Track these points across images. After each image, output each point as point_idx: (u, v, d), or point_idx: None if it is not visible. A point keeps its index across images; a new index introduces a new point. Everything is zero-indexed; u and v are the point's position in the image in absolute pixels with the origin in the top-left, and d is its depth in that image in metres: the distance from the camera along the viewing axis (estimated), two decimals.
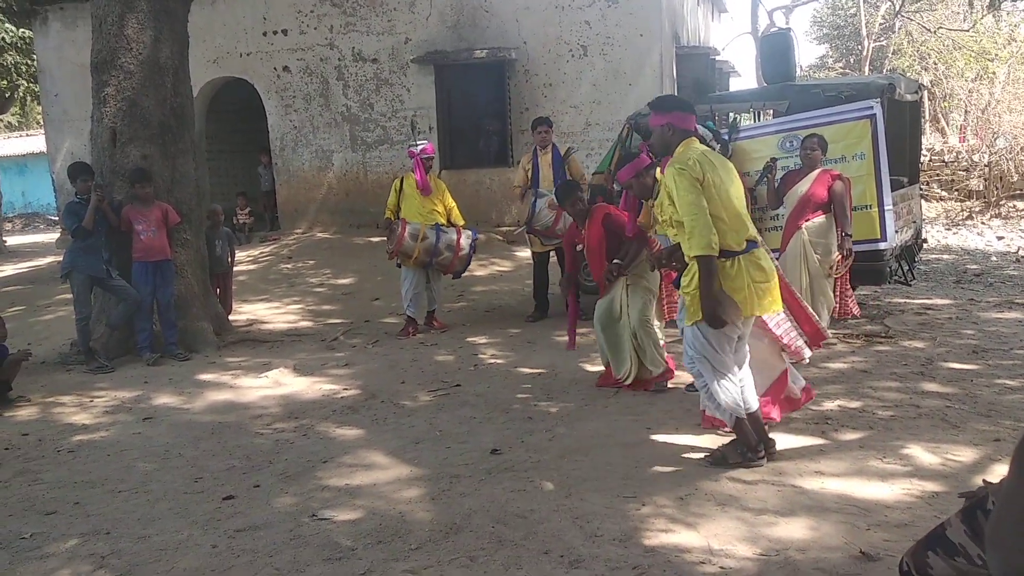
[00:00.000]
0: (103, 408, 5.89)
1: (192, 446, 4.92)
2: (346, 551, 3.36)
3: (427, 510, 3.73)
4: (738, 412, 4.02)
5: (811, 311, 4.68)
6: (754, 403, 4.13)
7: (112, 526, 3.77)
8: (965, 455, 4.11)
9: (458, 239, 7.74)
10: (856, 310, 6.88)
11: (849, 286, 6.79)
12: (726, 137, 7.31)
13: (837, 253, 6.39)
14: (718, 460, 4.08)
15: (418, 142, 8.05)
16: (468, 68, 13.06)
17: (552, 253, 8.08)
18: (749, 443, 4.03)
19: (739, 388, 4.04)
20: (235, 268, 9.28)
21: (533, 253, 8.22)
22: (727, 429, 4.28)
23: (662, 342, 5.71)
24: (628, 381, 5.57)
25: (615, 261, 5.57)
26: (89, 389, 6.45)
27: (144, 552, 3.48)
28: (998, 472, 3.91)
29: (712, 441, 4.45)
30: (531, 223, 7.76)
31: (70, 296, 7.40)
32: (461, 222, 8.02)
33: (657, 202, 4.21)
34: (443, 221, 7.85)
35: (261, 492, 4.09)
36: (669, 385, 5.59)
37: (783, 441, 4.40)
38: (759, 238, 4.06)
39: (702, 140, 4.47)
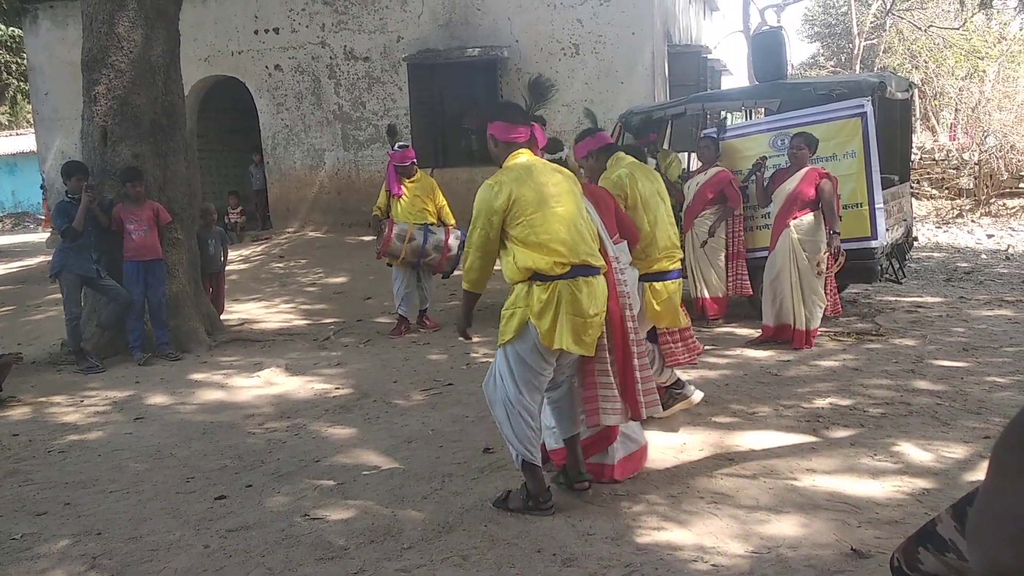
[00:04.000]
0: (94, 408, 5.87)
1: (184, 446, 4.90)
2: (339, 551, 3.36)
3: (420, 509, 3.73)
4: (527, 456, 3.56)
5: (640, 387, 3.77)
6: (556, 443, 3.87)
7: (103, 526, 3.76)
8: (955, 452, 4.14)
9: (446, 239, 7.72)
10: (839, 308, 6.90)
11: (836, 285, 6.81)
12: (714, 135, 7.33)
13: (825, 250, 6.40)
14: (499, 502, 3.65)
15: (397, 147, 7.88)
16: (460, 66, 13.04)
17: None
18: (536, 490, 3.57)
19: (534, 430, 3.57)
20: (227, 267, 9.25)
21: None
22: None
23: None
24: None
25: None
26: (80, 389, 6.42)
27: (136, 552, 3.46)
28: None
29: (706, 441, 4.47)
30: None
31: (60, 296, 7.37)
32: (452, 221, 8.00)
33: None
34: (433, 220, 7.82)
35: (253, 492, 4.08)
36: None
37: (775, 439, 4.42)
38: (602, 265, 3.59)
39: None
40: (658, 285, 4.68)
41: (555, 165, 3.77)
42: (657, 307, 4.67)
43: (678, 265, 4.84)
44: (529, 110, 3.94)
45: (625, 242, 4.22)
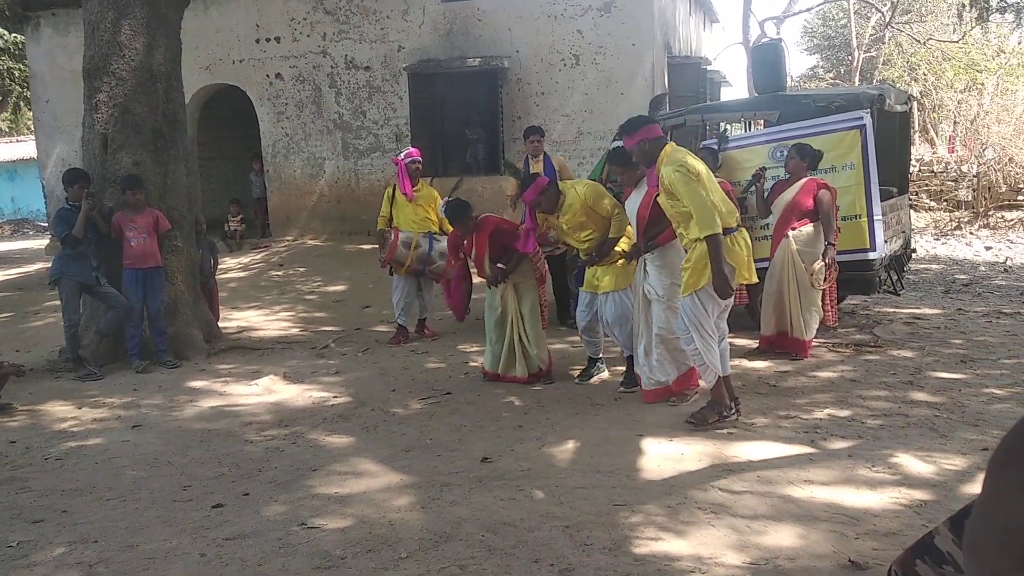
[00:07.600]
0: (92, 415, 5.86)
1: (181, 454, 4.90)
2: (335, 560, 3.35)
3: (417, 518, 3.73)
4: (720, 371, 4.78)
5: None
6: (728, 368, 4.93)
7: (100, 534, 3.75)
8: (953, 464, 4.14)
9: None
10: (836, 319, 6.91)
11: (835, 296, 6.82)
12: (714, 147, 7.36)
13: (819, 261, 6.40)
14: (699, 421, 4.75)
15: (403, 150, 8.03)
16: (461, 76, 13.08)
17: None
18: (724, 402, 4.78)
19: (718, 352, 4.79)
20: (226, 275, 9.24)
21: None
22: (673, 399, 5.31)
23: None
24: (514, 373, 6.15)
25: (498, 265, 6.12)
26: (78, 396, 6.42)
27: (132, 561, 3.45)
28: None
29: (699, 447, 4.47)
30: None
31: (59, 303, 7.37)
32: None
33: (658, 200, 4.87)
34: (436, 229, 7.84)
35: (250, 500, 4.08)
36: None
37: (772, 449, 4.42)
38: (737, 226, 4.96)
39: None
40: None
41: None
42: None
43: None
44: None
45: None
